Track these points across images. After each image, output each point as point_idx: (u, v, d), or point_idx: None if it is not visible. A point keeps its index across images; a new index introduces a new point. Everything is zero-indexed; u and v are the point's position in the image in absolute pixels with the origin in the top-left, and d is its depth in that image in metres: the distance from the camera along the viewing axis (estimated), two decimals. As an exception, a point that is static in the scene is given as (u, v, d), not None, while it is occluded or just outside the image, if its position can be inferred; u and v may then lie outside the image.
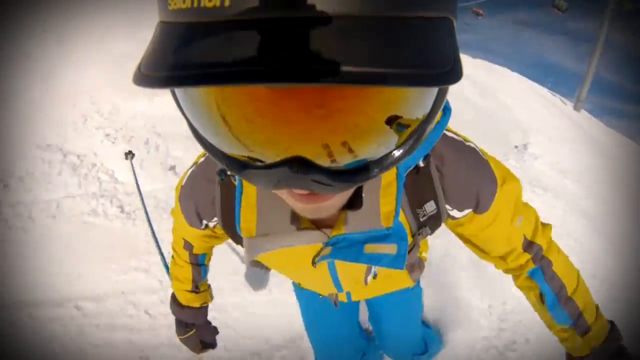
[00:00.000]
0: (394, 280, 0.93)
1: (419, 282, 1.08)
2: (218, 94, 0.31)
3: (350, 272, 0.73)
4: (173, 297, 0.95)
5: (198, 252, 0.87)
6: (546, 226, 0.71)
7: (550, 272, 0.69)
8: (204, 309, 0.96)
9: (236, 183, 0.60)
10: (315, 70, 0.23)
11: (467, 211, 0.63)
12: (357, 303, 1.24)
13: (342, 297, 0.95)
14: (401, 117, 0.32)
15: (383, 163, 0.36)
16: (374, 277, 0.73)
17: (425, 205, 0.61)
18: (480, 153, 0.62)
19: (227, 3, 0.24)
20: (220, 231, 0.72)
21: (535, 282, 0.70)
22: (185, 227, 0.75)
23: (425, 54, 0.26)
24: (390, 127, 0.32)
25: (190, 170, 0.70)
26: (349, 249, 0.60)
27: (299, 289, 1.13)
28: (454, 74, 0.25)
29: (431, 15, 0.28)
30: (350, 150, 0.33)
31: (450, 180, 0.60)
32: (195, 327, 0.96)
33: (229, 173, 0.62)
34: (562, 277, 0.69)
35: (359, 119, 0.31)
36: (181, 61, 0.26)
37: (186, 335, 0.96)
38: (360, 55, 0.24)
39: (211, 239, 0.80)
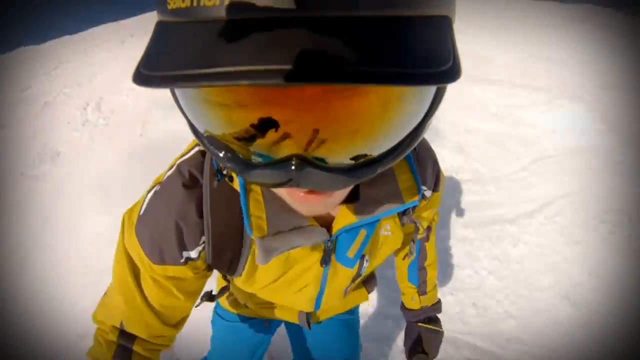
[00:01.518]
0: (355, 297, 0.91)
1: (357, 308, 1.04)
2: (217, 94, 0.31)
3: (341, 276, 0.67)
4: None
5: (139, 349, 0.59)
6: (437, 214, 0.87)
7: (423, 247, 0.88)
8: None
9: (234, 184, 0.54)
10: (316, 70, 0.23)
11: (431, 190, 0.68)
12: (271, 336, 1.04)
13: (294, 318, 0.85)
14: (401, 115, 0.32)
15: (384, 160, 0.36)
16: (356, 278, 0.70)
17: None
18: None
19: (226, 2, 0.24)
20: (199, 264, 0.57)
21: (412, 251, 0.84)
22: (145, 278, 0.56)
23: (424, 53, 0.26)
24: (391, 125, 0.33)
25: (151, 194, 0.56)
26: (351, 233, 0.60)
27: (221, 314, 0.97)
28: (453, 72, 0.25)
29: (430, 13, 0.28)
30: (352, 148, 0.33)
31: (422, 160, 0.64)
32: None
33: (225, 173, 0.53)
34: (428, 252, 0.89)
35: (360, 118, 0.31)
36: (181, 61, 0.26)
37: None
38: (360, 54, 0.24)
39: (193, 284, 0.60)
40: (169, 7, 0.28)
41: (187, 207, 0.53)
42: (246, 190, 0.52)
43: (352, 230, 0.60)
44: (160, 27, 0.30)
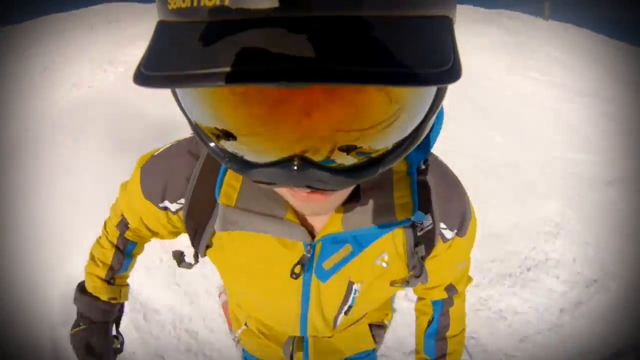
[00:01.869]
0: (358, 336, 0.85)
1: (374, 350, 0.96)
2: (218, 93, 0.31)
3: (326, 296, 0.65)
4: (81, 286, 0.78)
5: (129, 237, 0.75)
6: (470, 278, 0.78)
7: (446, 311, 0.77)
8: (110, 306, 0.77)
9: None
10: (316, 70, 0.23)
11: (454, 232, 0.62)
12: None
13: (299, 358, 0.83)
14: (401, 115, 0.32)
15: (383, 160, 0.36)
16: (348, 310, 0.67)
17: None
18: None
19: (227, 2, 0.24)
20: (175, 219, 0.63)
21: (432, 311, 0.79)
22: (135, 200, 0.66)
23: (424, 53, 0.26)
24: (391, 125, 0.33)
25: (169, 145, 0.64)
26: (335, 245, 0.58)
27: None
28: (453, 72, 0.25)
29: (430, 14, 0.28)
30: (351, 148, 0.33)
31: (445, 195, 0.60)
32: (89, 323, 0.76)
33: None
34: (451, 320, 0.78)
35: (359, 118, 0.31)
36: (181, 61, 0.26)
37: (73, 330, 0.76)
38: (360, 54, 0.24)
39: (152, 227, 0.69)
40: (170, 7, 0.28)
41: (178, 170, 0.60)
42: None
43: (337, 243, 0.58)
44: (161, 27, 0.30)
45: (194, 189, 0.59)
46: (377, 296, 0.68)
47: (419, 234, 0.60)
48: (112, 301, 0.78)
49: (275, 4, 0.24)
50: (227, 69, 0.24)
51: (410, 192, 0.54)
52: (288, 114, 0.30)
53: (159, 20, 0.31)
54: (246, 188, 0.54)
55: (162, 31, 0.29)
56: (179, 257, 0.70)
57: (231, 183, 0.54)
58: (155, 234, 0.72)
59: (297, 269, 0.59)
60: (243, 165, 0.36)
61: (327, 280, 0.61)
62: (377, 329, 0.87)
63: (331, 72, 0.23)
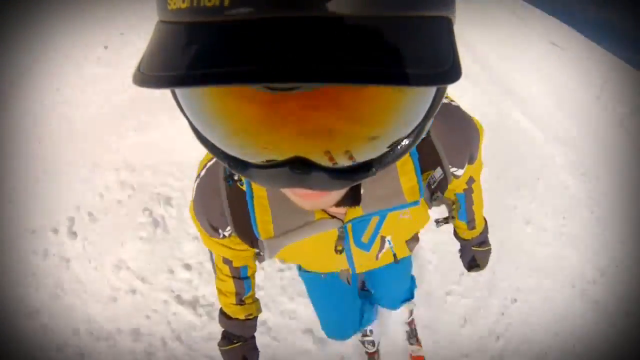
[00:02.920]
0: (396, 251, 0.97)
1: (410, 255, 1.19)
2: (218, 94, 0.31)
3: (363, 255, 0.76)
4: (221, 310, 0.94)
5: (238, 264, 0.86)
6: (480, 164, 0.88)
7: (469, 196, 0.93)
8: (250, 322, 0.93)
9: (245, 187, 0.62)
10: (315, 70, 0.23)
11: (465, 167, 0.70)
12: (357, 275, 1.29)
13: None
14: (400, 116, 0.32)
15: (383, 161, 0.36)
16: (382, 249, 0.78)
17: (433, 173, 0.65)
18: (462, 109, 0.68)
19: (226, 3, 0.24)
20: (236, 239, 0.72)
21: (458, 202, 0.94)
22: (210, 240, 0.76)
23: (424, 53, 0.26)
24: (390, 126, 0.33)
25: (196, 183, 0.70)
26: (364, 222, 0.66)
27: (304, 272, 1.16)
28: (453, 73, 0.26)
29: (430, 14, 0.28)
30: (351, 150, 0.33)
31: (449, 143, 0.65)
32: (241, 340, 0.93)
33: (236, 178, 0.63)
34: (474, 199, 0.94)
35: (359, 118, 0.31)
36: (181, 61, 0.26)
37: (228, 347, 0.92)
38: (360, 54, 0.24)
39: (240, 247, 0.78)
40: (169, 7, 0.27)
41: (211, 210, 0.68)
42: (252, 195, 0.61)
43: (364, 220, 0.65)
44: (160, 27, 0.30)
45: (232, 219, 0.67)
46: (409, 235, 0.84)
47: (433, 187, 0.67)
48: (249, 317, 0.93)
49: (275, 5, 0.24)
50: (227, 70, 0.24)
51: (415, 176, 0.60)
52: (287, 116, 0.30)
53: (158, 21, 0.30)
54: (276, 215, 0.62)
55: (162, 31, 0.29)
56: (256, 257, 0.87)
57: (264, 219, 0.62)
58: (248, 250, 0.80)
59: (339, 246, 0.71)
60: (243, 166, 0.36)
61: (370, 249, 0.73)
62: (410, 241, 0.97)
63: (330, 72, 0.23)
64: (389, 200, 0.61)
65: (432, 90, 0.32)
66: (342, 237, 0.70)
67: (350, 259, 0.79)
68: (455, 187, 0.83)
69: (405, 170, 0.60)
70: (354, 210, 0.62)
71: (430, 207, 0.72)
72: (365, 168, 0.35)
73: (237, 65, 0.24)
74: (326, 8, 0.24)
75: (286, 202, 0.57)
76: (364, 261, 0.83)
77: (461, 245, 1.10)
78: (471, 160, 0.71)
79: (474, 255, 1.07)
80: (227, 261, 0.85)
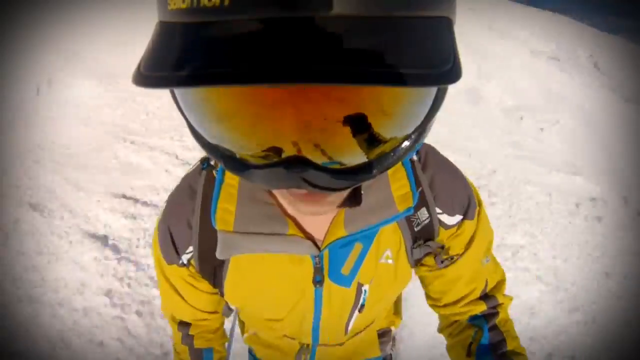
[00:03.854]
0: (365, 344, 0.83)
1: (379, 358, 0.92)
2: (217, 94, 0.31)
3: (337, 303, 0.64)
4: None
5: (200, 345, 0.70)
6: (504, 284, 0.69)
7: (493, 324, 0.65)
8: None
9: (216, 174, 0.55)
10: (315, 71, 0.23)
11: (457, 217, 0.60)
12: None
13: None
14: (401, 116, 0.32)
15: (383, 162, 0.35)
16: (361, 308, 0.65)
17: (418, 213, 0.58)
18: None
19: (226, 3, 0.24)
20: (195, 273, 0.61)
21: (475, 328, 0.66)
22: (165, 276, 0.63)
23: (424, 54, 0.26)
24: (390, 127, 0.33)
25: (167, 202, 0.62)
26: (345, 248, 0.57)
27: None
28: (453, 73, 0.25)
29: (430, 14, 0.28)
30: (350, 150, 0.33)
31: (439, 181, 0.59)
32: None
33: (212, 163, 0.56)
34: (505, 334, 0.64)
35: (359, 119, 0.31)
36: (181, 61, 0.26)
37: None
38: (360, 55, 0.24)
39: (194, 302, 0.65)
40: (169, 7, 0.27)
41: (177, 220, 0.58)
42: (222, 182, 0.54)
43: (346, 245, 0.57)
44: (160, 28, 0.30)
45: (199, 230, 0.56)
46: (387, 294, 0.66)
47: (416, 229, 0.59)
48: None
49: (275, 5, 0.23)
50: (226, 70, 0.24)
51: (408, 182, 0.54)
52: (287, 115, 0.30)
53: (158, 21, 0.30)
54: (242, 210, 0.53)
55: (162, 31, 0.29)
56: (227, 309, 0.73)
57: (226, 207, 0.53)
58: (212, 313, 0.69)
59: (316, 279, 0.58)
60: (240, 167, 0.36)
61: (350, 284, 0.60)
62: (384, 336, 0.86)
63: (330, 73, 0.23)
64: (380, 211, 0.53)
65: (433, 91, 0.32)
66: (317, 271, 0.58)
67: (318, 306, 0.62)
68: (456, 293, 0.65)
69: (397, 177, 0.55)
70: (335, 232, 0.54)
71: (412, 264, 0.61)
72: (366, 169, 0.35)
73: (237, 66, 0.24)
74: (326, 8, 0.24)
75: (258, 204, 0.53)
76: (330, 325, 0.67)
77: None
78: (467, 214, 0.60)
79: None
80: (186, 338, 0.70)
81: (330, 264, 0.58)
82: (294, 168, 0.33)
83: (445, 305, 0.69)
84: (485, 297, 0.66)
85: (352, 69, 0.23)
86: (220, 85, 0.24)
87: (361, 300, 0.63)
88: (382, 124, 0.32)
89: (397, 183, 0.54)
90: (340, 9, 0.24)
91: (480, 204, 0.63)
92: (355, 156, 0.34)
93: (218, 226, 0.53)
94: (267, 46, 0.24)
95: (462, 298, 0.66)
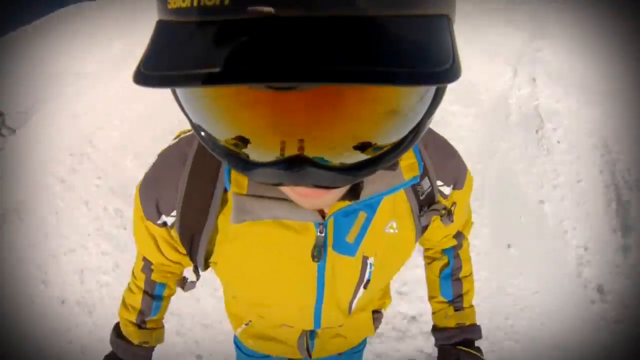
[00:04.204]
0: (362, 324, 0.86)
1: (365, 340, 0.99)
2: (219, 92, 0.31)
3: (341, 278, 0.64)
4: (115, 326, 0.81)
5: (156, 278, 0.76)
6: (472, 222, 0.83)
7: (457, 254, 0.82)
8: (142, 351, 0.79)
9: None
10: (314, 70, 0.23)
11: (452, 187, 0.66)
12: None
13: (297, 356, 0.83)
14: (400, 114, 0.32)
15: (383, 159, 0.36)
16: (367, 284, 0.66)
17: (422, 182, 0.62)
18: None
19: (226, 2, 0.24)
20: (174, 237, 0.63)
21: (445, 256, 0.82)
22: (142, 228, 0.65)
23: (424, 53, 0.26)
24: (390, 125, 0.33)
25: (161, 151, 0.62)
26: (349, 217, 0.58)
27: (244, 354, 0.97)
28: (453, 72, 0.26)
29: (429, 13, 0.28)
30: (350, 148, 0.33)
31: (438, 156, 0.63)
32: None
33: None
34: (463, 261, 0.82)
35: (359, 118, 0.31)
36: (181, 60, 0.26)
37: None
38: (359, 54, 0.24)
39: (168, 254, 0.68)
40: (170, 6, 0.27)
41: (168, 179, 0.58)
42: None
43: (349, 214, 0.57)
44: (160, 27, 0.30)
45: (184, 196, 0.57)
46: (393, 265, 0.68)
47: (421, 197, 0.63)
48: (144, 345, 0.79)
49: (275, 4, 0.24)
50: (227, 69, 0.24)
51: (413, 153, 0.57)
52: (288, 114, 0.30)
53: (158, 20, 0.31)
54: (252, 183, 0.53)
55: (162, 30, 0.29)
56: (181, 282, 0.75)
57: (238, 176, 0.53)
58: (177, 263, 0.71)
59: (316, 252, 0.58)
60: (244, 165, 0.36)
61: (355, 253, 0.61)
62: (377, 314, 0.89)
63: (330, 72, 0.23)
64: (388, 179, 0.54)
65: (432, 89, 0.32)
66: (320, 241, 0.58)
67: (320, 283, 0.63)
68: (443, 233, 0.74)
69: None
70: (339, 202, 0.53)
71: (419, 232, 0.64)
72: (366, 166, 0.35)
73: (237, 65, 0.24)
74: (325, 8, 0.24)
75: None
76: (333, 305, 0.68)
77: (439, 345, 0.81)
78: (457, 184, 0.66)
79: (459, 358, 0.76)
80: (146, 269, 0.75)
81: (334, 232, 0.58)
82: (296, 167, 0.33)
83: (428, 248, 0.84)
84: (457, 235, 0.80)
85: (352, 68, 0.23)
86: (221, 85, 0.24)
87: (367, 275, 0.65)
88: (382, 121, 0.32)
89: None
90: (339, 9, 0.24)
91: (468, 174, 0.70)
92: (355, 154, 0.34)
93: (233, 189, 0.53)
94: (267, 46, 0.24)
95: (443, 238, 0.79)
